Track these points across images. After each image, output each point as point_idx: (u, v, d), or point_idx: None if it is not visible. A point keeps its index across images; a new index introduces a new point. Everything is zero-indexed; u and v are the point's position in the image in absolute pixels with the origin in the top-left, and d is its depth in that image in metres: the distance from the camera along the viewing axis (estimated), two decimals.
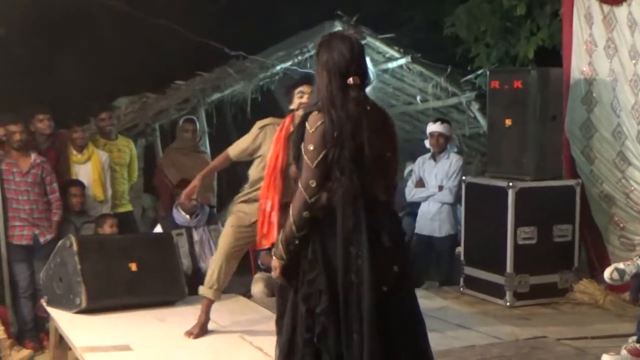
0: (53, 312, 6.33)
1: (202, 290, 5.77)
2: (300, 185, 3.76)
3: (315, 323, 3.71)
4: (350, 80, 3.79)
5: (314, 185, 3.71)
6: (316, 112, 3.78)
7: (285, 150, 5.29)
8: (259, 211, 5.49)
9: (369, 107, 3.83)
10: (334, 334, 3.67)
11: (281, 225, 4.28)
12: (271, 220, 5.41)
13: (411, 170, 10.06)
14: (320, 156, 3.70)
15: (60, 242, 6.51)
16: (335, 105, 3.75)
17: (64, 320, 6.11)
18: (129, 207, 8.46)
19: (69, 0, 9.26)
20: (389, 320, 3.72)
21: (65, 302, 6.27)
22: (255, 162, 5.72)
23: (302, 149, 3.76)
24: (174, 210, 7.60)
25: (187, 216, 7.53)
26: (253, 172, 5.74)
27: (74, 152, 7.95)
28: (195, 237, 7.56)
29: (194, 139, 8.67)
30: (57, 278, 6.39)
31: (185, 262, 7.26)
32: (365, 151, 3.72)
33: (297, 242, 3.78)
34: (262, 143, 5.62)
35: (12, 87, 9.83)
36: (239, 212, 5.80)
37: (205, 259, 7.46)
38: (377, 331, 3.63)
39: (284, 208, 5.00)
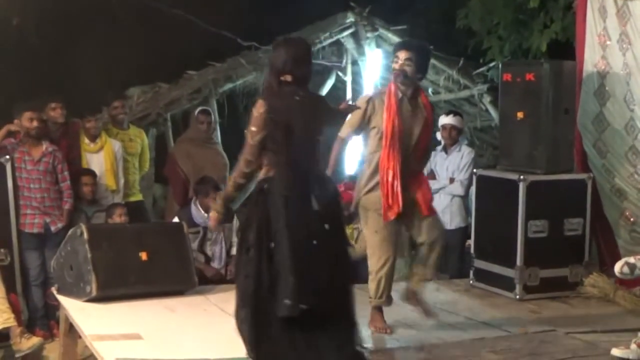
0: (63, 300, 6.35)
1: (373, 302, 5.82)
2: (240, 158, 4.61)
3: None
4: (284, 77, 4.62)
5: (250, 158, 4.58)
6: (260, 100, 4.59)
7: (399, 117, 5.59)
8: (380, 184, 5.62)
9: (298, 98, 4.60)
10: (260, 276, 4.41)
11: (404, 193, 5.55)
12: (395, 190, 5.56)
13: None
14: (259, 136, 4.53)
15: (71, 231, 6.53)
16: (272, 95, 4.62)
17: (74, 308, 6.13)
18: (139, 197, 8.46)
19: None
20: (319, 267, 4.43)
21: (75, 291, 6.29)
22: (372, 134, 5.75)
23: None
24: (193, 207, 7.46)
25: (206, 215, 7.30)
26: (371, 144, 5.78)
27: (87, 141, 7.97)
28: (210, 236, 7.46)
29: (208, 130, 8.61)
30: (67, 266, 6.41)
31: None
32: (295, 132, 4.51)
33: (233, 200, 5.04)
34: (373, 115, 5.70)
35: (26, 76, 9.89)
36: (375, 211, 5.71)
37: (216, 260, 7.46)
38: (302, 271, 4.34)
39: (406, 176, 5.56)
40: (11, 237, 7.35)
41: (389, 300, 5.86)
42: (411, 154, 5.69)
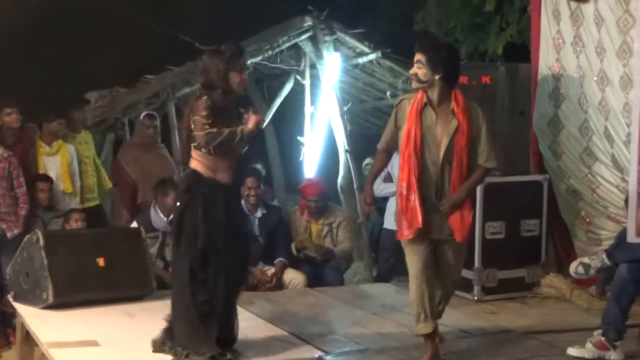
0: (20, 307, 6.28)
1: (414, 330, 5.23)
2: None
3: None
4: None
5: None
6: None
7: (418, 126, 5.06)
8: (397, 197, 5.20)
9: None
10: None
11: (430, 211, 5.08)
12: (411, 205, 5.05)
13: (368, 164, 10.13)
14: None
15: (26, 237, 6.46)
16: None
17: (30, 315, 6.07)
18: (97, 202, 8.41)
19: None
20: None
21: (32, 298, 6.23)
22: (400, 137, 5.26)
23: None
24: (152, 211, 7.34)
25: (165, 219, 7.24)
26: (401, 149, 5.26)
27: (43, 144, 7.90)
28: (169, 241, 7.08)
29: (155, 134, 8.52)
30: (23, 273, 6.35)
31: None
32: None
33: None
34: (400, 118, 5.23)
35: None
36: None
37: None
38: None
39: (440, 194, 5.09)
40: None
41: (432, 324, 5.17)
42: (444, 168, 5.07)
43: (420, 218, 5.02)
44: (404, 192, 5.07)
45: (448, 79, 5.06)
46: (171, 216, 7.18)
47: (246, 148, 5.23)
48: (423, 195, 5.05)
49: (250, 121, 5.07)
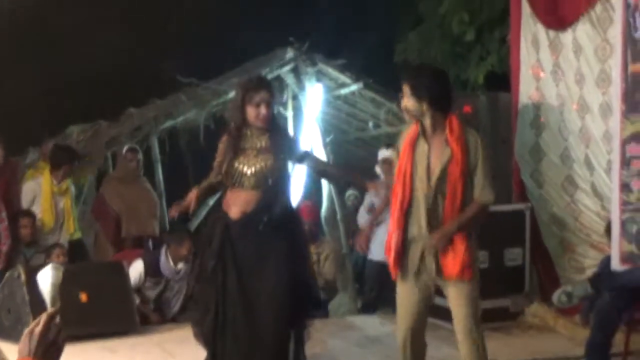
0: (1, 344, 6.22)
1: None
2: None
3: None
4: None
5: None
6: None
7: (409, 158, 4.82)
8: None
9: None
10: None
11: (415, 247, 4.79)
12: (393, 243, 4.85)
13: (351, 195, 10.12)
14: None
15: (8, 273, 6.43)
16: None
17: (12, 352, 6.00)
18: (79, 235, 8.36)
19: (22, 24, 9.19)
20: None
21: (14, 334, 6.17)
22: None
23: None
24: (162, 255, 7.19)
25: (174, 267, 7.15)
26: None
27: (54, 180, 7.88)
28: (172, 287, 7.21)
29: (137, 168, 8.50)
30: (5, 309, 6.30)
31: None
32: None
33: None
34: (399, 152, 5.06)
35: None
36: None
37: (173, 307, 7.26)
38: None
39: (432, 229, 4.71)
40: None
41: None
42: (437, 201, 4.73)
43: (395, 258, 4.81)
44: (390, 228, 4.89)
45: (437, 105, 4.75)
46: (179, 265, 7.17)
47: (270, 181, 5.10)
48: (413, 233, 4.78)
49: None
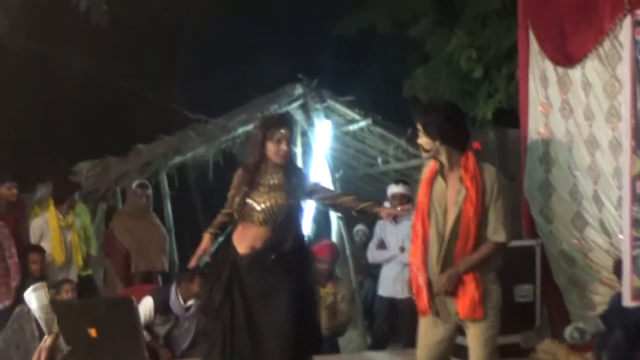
0: None
1: None
2: None
3: None
4: None
5: None
6: None
7: (427, 197, 4.76)
8: (410, 272, 4.93)
9: None
10: None
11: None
12: (418, 285, 4.74)
13: (359, 231, 10.11)
14: None
15: (17, 308, 6.39)
16: None
17: None
18: (89, 271, 8.37)
19: (28, 61, 9.26)
20: None
21: None
22: None
23: None
24: (172, 295, 7.15)
25: (184, 304, 7.12)
26: None
27: (60, 215, 7.90)
28: (182, 324, 7.19)
29: (147, 203, 8.51)
30: (14, 345, 6.26)
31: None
32: None
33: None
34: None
35: None
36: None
37: (183, 343, 7.23)
38: None
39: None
40: None
41: None
42: (450, 241, 4.66)
43: (425, 302, 4.71)
44: (414, 269, 4.78)
45: (450, 142, 4.67)
46: (189, 302, 7.15)
47: (279, 219, 5.13)
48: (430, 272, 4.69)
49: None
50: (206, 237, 5.28)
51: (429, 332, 4.79)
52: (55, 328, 2.66)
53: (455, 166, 4.70)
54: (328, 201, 5.40)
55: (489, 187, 4.64)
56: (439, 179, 4.75)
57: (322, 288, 7.69)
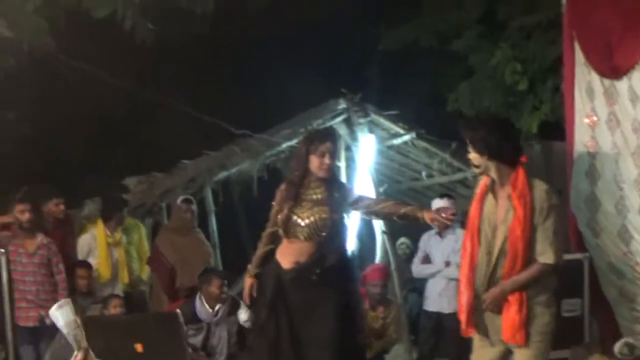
0: None
1: None
2: None
3: None
4: None
5: None
6: None
7: (477, 214, 4.71)
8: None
9: None
10: None
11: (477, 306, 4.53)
12: (461, 302, 4.68)
13: (402, 244, 10.06)
14: None
15: None
16: None
17: None
18: (139, 287, 8.42)
19: (76, 80, 9.39)
20: None
21: None
22: None
23: None
24: (197, 302, 7.26)
25: (210, 310, 7.22)
26: None
27: (107, 231, 7.99)
28: (214, 332, 7.24)
29: (192, 219, 8.54)
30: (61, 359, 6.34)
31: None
32: None
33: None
34: None
35: (21, 167, 9.95)
36: None
37: (220, 355, 7.26)
38: None
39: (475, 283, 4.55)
40: (6, 332, 7.28)
41: None
42: (499, 261, 4.56)
43: (464, 321, 4.63)
44: (460, 286, 4.71)
45: (498, 158, 4.59)
46: (217, 307, 7.19)
47: (323, 234, 5.18)
48: (475, 291, 4.60)
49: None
50: (248, 282, 5.36)
51: (479, 353, 4.71)
52: (84, 343, 2.69)
53: (506, 182, 4.58)
54: (369, 209, 5.36)
55: (538, 206, 4.50)
56: (489, 196, 4.66)
57: (373, 312, 7.57)
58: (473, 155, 4.65)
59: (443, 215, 5.21)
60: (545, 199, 4.51)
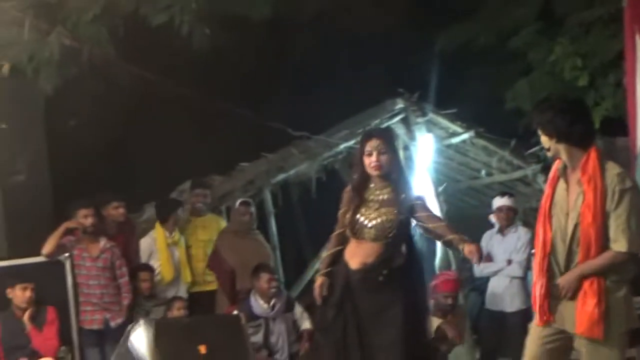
0: None
1: None
2: None
3: None
4: None
5: None
6: None
7: (549, 199, 4.46)
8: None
9: None
10: None
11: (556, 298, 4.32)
12: (537, 292, 4.46)
13: None
14: None
15: (130, 326, 6.54)
16: None
17: None
18: (207, 287, 8.43)
19: (138, 86, 9.50)
20: None
21: None
22: None
23: None
24: (252, 299, 7.41)
25: (265, 305, 7.36)
26: None
27: (166, 232, 8.08)
28: (273, 328, 7.37)
29: (251, 221, 8.53)
30: None
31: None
32: None
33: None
34: None
35: (82, 173, 10.10)
36: None
37: (282, 352, 7.36)
38: None
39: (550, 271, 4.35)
40: (71, 334, 7.40)
41: None
42: (572, 247, 4.34)
43: (543, 310, 4.40)
44: (535, 276, 4.50)
45: (567, 140, 4.35)
46: (272, 302, 7.25)
47: (390, 235, 5.15)
48: (551, 280, 4.38)
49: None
50: (319, 281, 5.34)
51: (540, 339, 4.50)
52: None
53: (577, 166, 4.35)
54: (424, 223, 5.22)
55: (609, 191, 4.24)
56: (561, 181, 4.44)
57: (443, 318, 7.49)
58: (543, 139, 4.44)
59: (474, 260, 4.99)
60: (617, 182, 4.23)
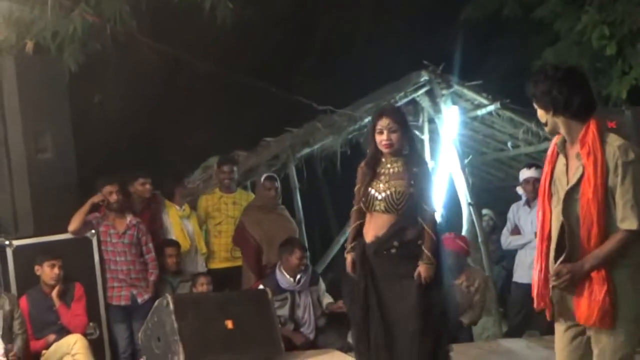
0: None
1: None
2: None
3: None
4: None
5: None
6: None
7: (548, 176, 4.13)
8: None
9: None
10: None
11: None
12: (534, 277, 4.13)
13: (485, 216, 9.90)
14: None
15: (157, 302, 6.58)
16: None
17: None
18: (236, 263, 8.43)
19: (163, 62, 9.48)
20: None
21: None
22: None
23: None
24: (277, 273, 7.45)
25: (291, 279, 7.40)
26: None
27: (176, 207, 8.09)
28: (299, 302, 7.44)
29: (276, 196, 8.50)
30: (155, 337, 6.45)
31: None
32: None
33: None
34: None
35: (107, 149, 10.13)
36: None
37: (309, 325, 7.40)
38: None
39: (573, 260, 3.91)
40: (99, 311, 7.45)
41: None
42: (573, 228, 3.94)
43: (540, 296, 4.08)
44: (535, 259, 4.17)
45: (565, 113, 4.00)
46: (298, 276, 7.27)
47: (400, 206, 5.20)
48: (551, 264, 4.01)
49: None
50: (348, 258, 5.43)
51: (559, 338, 4.16)
52: None
53: (576, 140, 3.99)
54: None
55: (612, 164, 3.86)
56: (560, 157, 4.10)
57: (457, 281, 7.54)
58: (539, 113, 4.10)
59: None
60: (620, 154, 3.84)
